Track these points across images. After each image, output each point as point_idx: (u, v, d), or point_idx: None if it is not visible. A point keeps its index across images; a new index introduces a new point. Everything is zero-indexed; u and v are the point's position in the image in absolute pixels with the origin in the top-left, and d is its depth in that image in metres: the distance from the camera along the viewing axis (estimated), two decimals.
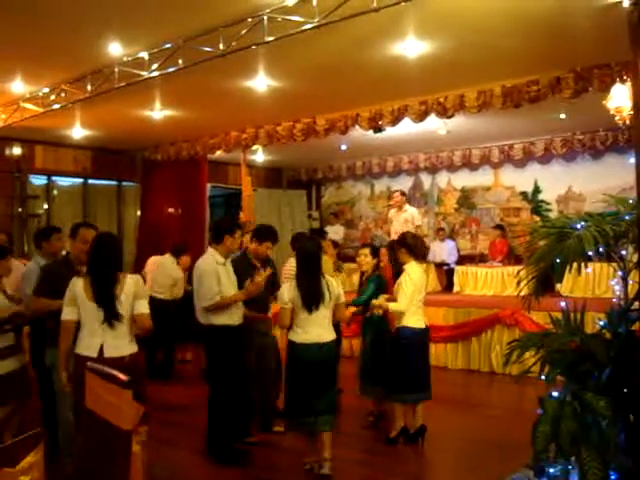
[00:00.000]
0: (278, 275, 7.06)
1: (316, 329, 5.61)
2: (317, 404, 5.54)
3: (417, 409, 6.56)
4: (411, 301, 6.45)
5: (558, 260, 3.94)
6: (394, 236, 10.93)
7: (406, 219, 11.87)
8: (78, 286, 4.78)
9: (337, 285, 5.81)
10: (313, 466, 5.68)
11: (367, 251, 7.13)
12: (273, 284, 6.56)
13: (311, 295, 5.59)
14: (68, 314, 4.79)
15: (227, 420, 6.04)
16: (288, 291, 5.62)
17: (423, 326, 6.59)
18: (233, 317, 6.05)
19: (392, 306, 6.45)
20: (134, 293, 4.83)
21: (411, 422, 6.55)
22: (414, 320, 6.50)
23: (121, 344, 4.76)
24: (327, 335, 5.67)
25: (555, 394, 3.85)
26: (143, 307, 4.86)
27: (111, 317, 4.70)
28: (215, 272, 5.96)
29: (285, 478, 5.88)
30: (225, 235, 6.09)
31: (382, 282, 7.03)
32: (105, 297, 4.72)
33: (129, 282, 4.85)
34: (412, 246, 6.66)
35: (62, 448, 5.36)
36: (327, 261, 8.15)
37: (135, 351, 4.85)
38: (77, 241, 5.60)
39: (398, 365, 6.47)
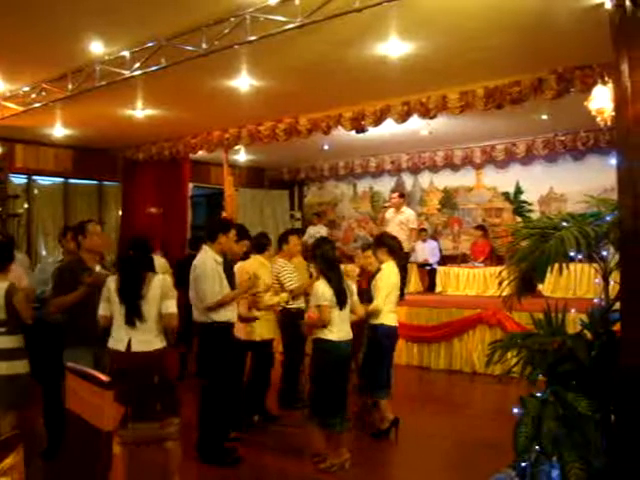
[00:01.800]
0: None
1: (345, 326, 5.86)
2: (345, 403, 5.84)
3: (385, 404, 6.74)
4: (388, 300, 6.57)
5: (540, 261, 3.96)
6: None
7: (401, 221, 11.83)
8: (112, 284, 5.06)
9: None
10: (333, 464, 5.78)
11: (370, 252, 7.11)
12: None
13: (342, 293, 5.80)
14: (102, 309, 5.09)
15: (221, 417, 6.07)
16: (326, 289, 5.74)
17: (396, 324, 6.79)
18: (234, 314, 6.19)
19: (371, 306, 6.53)
20: (161, 292, 5.03)
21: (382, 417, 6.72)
22: (390, 318, 6.66)
23: (148, 339, 4.98)
24: (351, 333, 5.92)
25: (537, 394, 3.86)
26: (170, 307, 5.04)
27: (132, 316, 4.94)
28: (216, 271, 6.02)
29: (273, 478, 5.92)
30: (219, 234, 6.13)
31: None
32: (128, 297, 4.96)
33: (156, 282, 5.06)
34: (392, 246, 6.84)
35: None
36: (302, 263, 8.19)
37: (162, 346, 5.06)
38: (90, 237, 5.65)
39: (377, 362, 6.60)
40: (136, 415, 4.77)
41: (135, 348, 4.91)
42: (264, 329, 7.16)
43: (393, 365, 6.89)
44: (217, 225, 6.40)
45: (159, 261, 10.25)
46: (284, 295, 7.34)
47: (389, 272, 6.64)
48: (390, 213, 12.24)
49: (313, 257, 6.01)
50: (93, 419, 3.14)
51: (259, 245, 7.38)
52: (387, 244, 6.84)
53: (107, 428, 3.05)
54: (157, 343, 5.02)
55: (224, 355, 6.05)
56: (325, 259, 5.91)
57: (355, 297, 6.10)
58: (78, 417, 3.29)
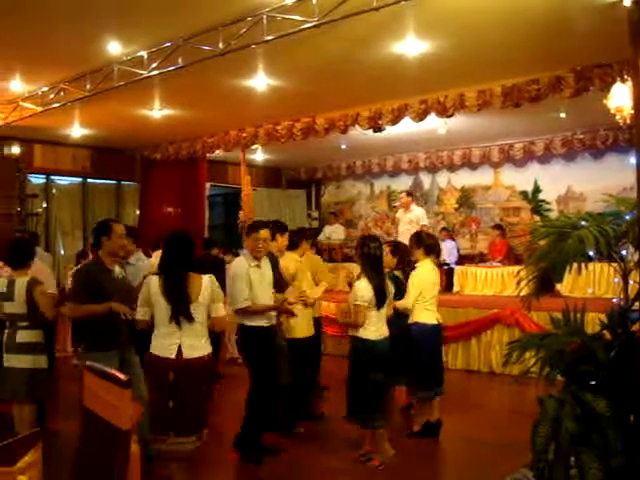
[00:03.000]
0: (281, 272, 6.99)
1: (383, 325, 5.87)
2: (382, 401, 5.83)
3: (433, 404, 6.71)
4: (422, 298, 6.55)
5: (558, 260, 3.93)
6: (400, 237, 10.96)
7: (411, 219, 11.87)
8: (153, 286, 4.72)
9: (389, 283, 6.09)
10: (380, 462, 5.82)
11: (388, 249, 7.09)
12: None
13: (382, 293, 5.80)
14: (142, 314, 4.79)
15: (258, 417, 6.07)
16: (366, 290, 5.72)
17: (435, 322, 6.69)
18: (263, 319, 6.04)
19: (399, 303, 6.50)
20: (210, 295, 4.76)
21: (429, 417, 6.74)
22: (424, 316, 6.61)
23: (198, 344, 4.70)
24: (387, 331, 5.94)
25: (555, 395, 3.84)
26: (220, 310, 4.83)
27: (180, 318, 4.63)
28: (246, 275, 5.91)
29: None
30: (250, 233, 6.05)
31: (399, 282, 6.89)
32: (176, 296, 4.66)
33: (205, 283, 4.77)
34: (428, 246, 6.80)
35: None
36: (317, 261, 8.14)
37: (211, 351, 4.81)
38: (114, 236, 5.50)
39: (415, 361, 6.61)
40: (178, 429, 4.60)
41: (186, 354, 4.61)
42: (305, 326, 7.14)
43: (439, 365, 6.88)
44: (248, 227, 6.29)
45: None
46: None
47: (423, 271, 6.63)
48: (400, 213, 12.30)
49: (359, 255, 5.95)
50: (111, 418, 3.15)
51: (291, 243, 7.27)
52: (423, 243, 6.80)
53: (125, 427, 3.05)
54: (207, 348, 4.76)
55: (257, 356, 6.02)
56: (370, 258, 5.87)
57: (391, 297, 6.09)
58: (96, 415, 3.30)
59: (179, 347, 4.61)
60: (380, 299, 5.78)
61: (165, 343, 4.65)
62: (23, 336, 5.66)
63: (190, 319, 4.63)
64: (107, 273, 5.45)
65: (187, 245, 4.94)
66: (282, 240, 6.97)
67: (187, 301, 4.65)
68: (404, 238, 9.71)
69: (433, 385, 6.66)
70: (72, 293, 5.58)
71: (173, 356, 4.59)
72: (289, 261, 6.97)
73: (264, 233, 6.08)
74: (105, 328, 5.30)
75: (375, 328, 5.78)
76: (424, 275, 6.62)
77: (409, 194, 12.61)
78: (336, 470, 5.90)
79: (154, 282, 4.73)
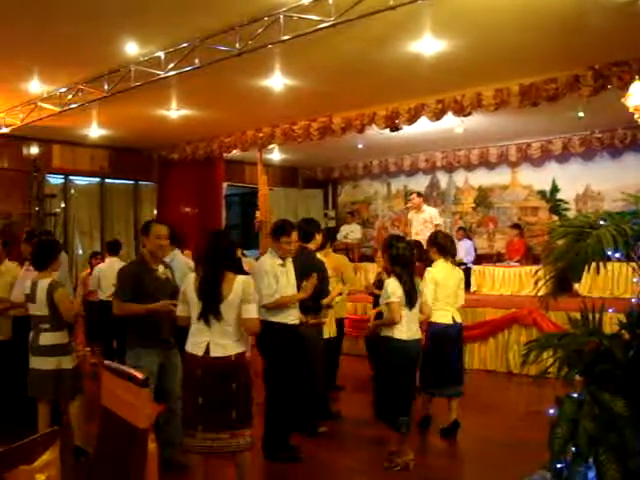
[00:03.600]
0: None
1: (414, 326, 5.84)
2: (410, 403, 5.83)
3: (451, 404, 6.74)
4: (437, 298, 6.57)
5: (576, 260, 3.91)
6: (415, 237, 10.96)
7: (425, 219, 11.87)
8: (189, 283, 4.80)
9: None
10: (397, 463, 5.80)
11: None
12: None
13: (413, 292, 5.80)
14: (180, 311, 4.89)
15: (282, 416, 6.08)
16: (397, 288, 5.72)
17: (450, 321, 6.70)
18: (289, 316, 6.07)
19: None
20: (242, 295, 4.69)
21: (445, 417, 6.75)
22: (439, 316, 6.63)
23: (227, 343, 4.68)
24: (419, 332, 5.95)
25: (573, 395, 3.82)
26: (251, 311, 4.73)
27: (209, 314, 4.64)
28: (273, 272, 5.97)
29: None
30: (281, 236, 6.06)
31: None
32: (208, 294, 4.67)
33: (238, 283, 4.73)
34: (441, 245, 6.83)
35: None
36: (342, 260, 8.12)
37: (242, 351, 4.76)
38: (151, 237, 5.60)
39: (428, 361, 6.60)
40: (207, 424, 4.61)
41: (213, 353, 4.63)
42: (331, 326, 7.12)
43: (458, 362, 6.91)
44: (278, 227, 6.23)
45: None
46: (338, 289, 7.32)
47: (436, 271, 6.66)
48: (412, 214, 12.28)
49: (388, 256, 5.93)
50: (129, 416, 3.17)
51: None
52: (437, 243, 6.85)
53: (142, 425, 3.07)
54: (236, 348, 4.70)
55: (279, 356, 6.03)
56: (399, 258, 5.85)
57: (424, 297, 6.07)
58: (114, 414, 3.32)
59: (207, 345, 4.64)
60: (410, 299, 5.77)
61: (196, 340, 4.70)
62: (46, 338, 5.71)
63: (219, 318, 4.64)
64: (150, 272, 5.55)
65: (225, 244, 4.97)
66: (319, 238, 7.01)
67: (218, 300, 4.65)
68: (419, 238, 9.73)
69: (446, 385, 6.67)
70: (117, 291, 5.63)
71: (201, 354, 4.64)
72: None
73: (295, 235, 6.16)
74: (147, 326, 5.42)
75: (407, 328, 5.75)
76: (436, 274, 6.62)
77: (419, 195, 12.63)
78: (352, 469, 5.91)
79: (191, 280, 4.80)
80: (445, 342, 6.67)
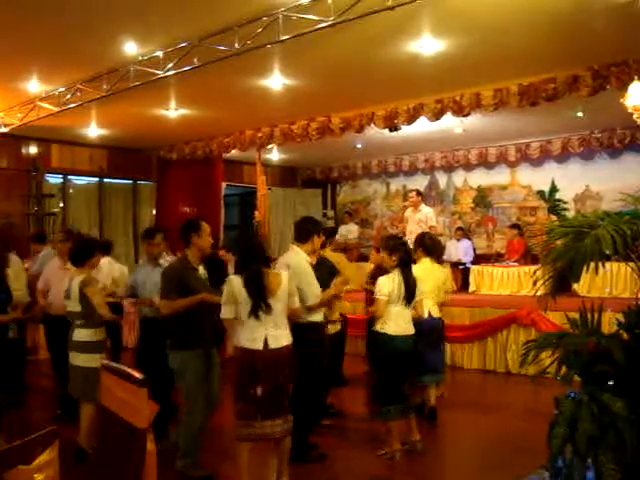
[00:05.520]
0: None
1: (404, 322, 6.00)
2: (404, 390, 5.98)
3: (429, 391, 7.06)
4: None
5: (575, 260, 3.91)
6: (409, 235, 10.93)
7: (420, 219, 11.76)
8: (237, 284, 4.94)
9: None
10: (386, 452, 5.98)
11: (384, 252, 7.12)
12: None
13: (411, 290, 6.00)
14: (227, 313, 4.98)
15: (310, 415, 6.15)
16: (387, 285, 5.91)
17: (425, 316, 6.86)
18: (320, 314, 6.18)
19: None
20: (289, 289, 5.10)
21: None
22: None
23: (282, 334, 5.00)
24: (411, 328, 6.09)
25: (572, 395, 3.82)
26: (296, 303, 5.22)
27: (262, 309, 4.88)
28: (312, 271, 6.02)
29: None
30: (313, 235, 6.14)
31: None
32: (258, 291, 4.90)
33: (284, 278, 5.09)
34: (426, 246, 7.16)
35: (185, 452, 5.44)
36: (341, 258, 8.14)
37: (291, 342, 5.08)
38: (204, 235, 5.67)
39: None
40: (266, 412, 4.88)
41: (272, 345, 4.90)
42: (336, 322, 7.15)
43: (433, 355, 7.03)
44: (310, 226, 6.26)
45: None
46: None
47: (417, 268, 6.67)
48: (409, 212, 12.18)
49: (398, 257, 6.05)
50: (128, 416, 3.17)
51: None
52: (422, 244, 7.17)
53: (141, 425, 3.07)
54: (289, 338, 5.06)
55: (317, 353, 6.07)
56: (402, 259, 6.04)
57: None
58: (113, 414, 3.32)
59: (265, 339, 4.90)
60: (408, 296, 5.97)
61: (252, 336, 4.92)
62: (79, 334, 5.81)
63: (270, 312, 4.91)
64: (192, 271, 5.59)
65: (259, 244, 5.37)
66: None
67: (268, 295, 4.92)
68: (413, 237, 9.71)
69: (421, 374, 6.82)
70: (163, 290, 5.66)
71: (261, 347, 4.88)
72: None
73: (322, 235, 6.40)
74: (191, 326, 5.47)
75: (394, 324, 5.91)
76: (416, 271, 6.63)
77: (419, 193, 12.49)
78: (357, 463, 5.92)
79: (236, 281, 4.96)
80: (420, 334, 6.73)
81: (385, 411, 5.90)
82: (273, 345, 4.90)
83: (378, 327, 5.98)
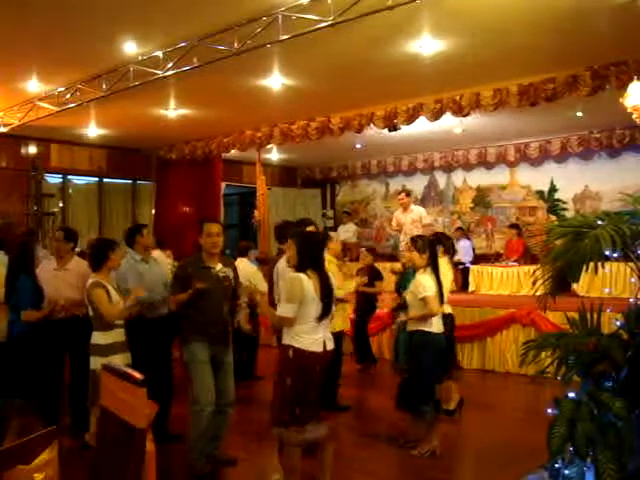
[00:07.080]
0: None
1: (440, 320, 6.08)
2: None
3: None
4: None
5: (574, 260, 3.91)
6: (402, 236, 10.97)
7: (413, 219, 11.69)
8: (307, 284, 4.74)
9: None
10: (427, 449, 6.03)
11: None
12: None
13: (442, 288, 6.05)
14: (291, 311, 4.76)
15: None
16: (433, 282, 5.95)
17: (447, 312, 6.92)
18: None
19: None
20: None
21: None
22: None
23: (331, 337, 4.96)
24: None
25: (571, 395, 3.82)
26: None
27: (328, 311, 4.81)
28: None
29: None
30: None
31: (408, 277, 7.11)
32: (328, 293, 4.82)
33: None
34: (448, 246, 7.18)
35: (192, 446, 5.44)
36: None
37: None
38: (203, 235, 5.62)
39: None
40: (317, 415, 4.85)
41: (328, 347, 4.85)
42: (339, 320, 7.14)
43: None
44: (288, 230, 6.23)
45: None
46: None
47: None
48: (398, 213, 12.08)
49: (429, 255, 6.07)
50: (127, 416, 3.17)
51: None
52: (442, 244, 7.04)
53: (140, 425, 3.07)
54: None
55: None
56: (434, 257, 6.08)
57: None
58: (112, 414, 3.32)
59: (324, 341, 4.82)
60: (441, 295, 6.03)
61: (314, 338, 4.78)
62: (92, 338, 5.74)
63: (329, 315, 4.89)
64: (203, 270, 5.56)
65: (321, 242, 5.21)
66: None
67: (333, 299, 4.90)
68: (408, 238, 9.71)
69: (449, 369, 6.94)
70: (171, 287, 5.86)
71: (321, 350, 4.79)
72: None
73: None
74: (195, 320, 5.48)
75: (437, 322, 6.01)
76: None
77: (408, 194, 12.42)
78: (361, 458, 5.90)
79: (305, 280, 4.75)
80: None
81: (426, 410, 5.93)
82: (329, 347, 4.86)
83: (422, 327, 5.94)
